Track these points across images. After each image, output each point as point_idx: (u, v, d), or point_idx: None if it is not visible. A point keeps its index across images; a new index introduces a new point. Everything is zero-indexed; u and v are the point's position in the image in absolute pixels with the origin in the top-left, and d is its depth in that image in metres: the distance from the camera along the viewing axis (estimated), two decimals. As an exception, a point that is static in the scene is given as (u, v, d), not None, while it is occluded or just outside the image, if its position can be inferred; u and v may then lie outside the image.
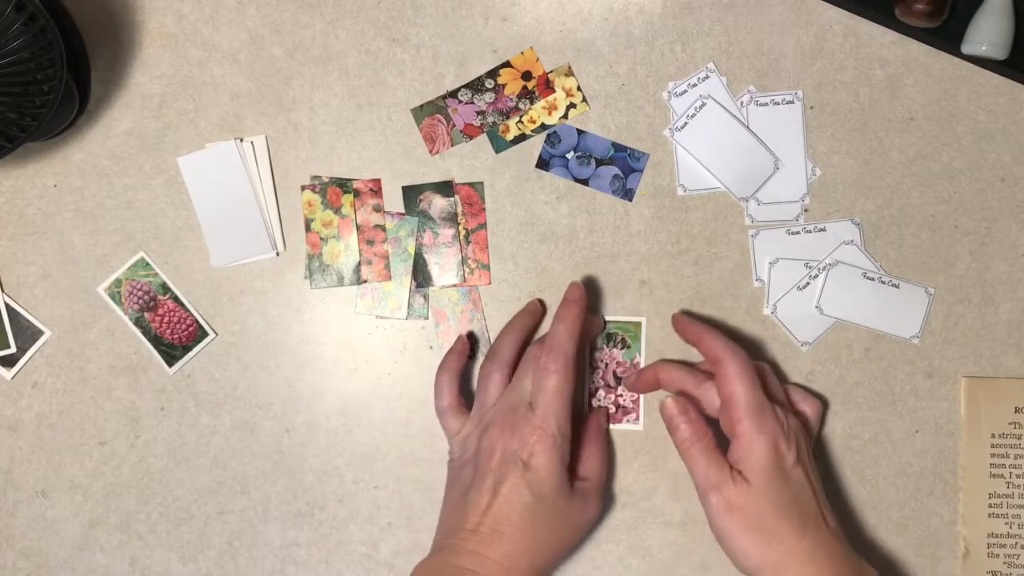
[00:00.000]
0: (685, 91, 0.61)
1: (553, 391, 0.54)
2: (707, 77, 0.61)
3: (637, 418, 0.61)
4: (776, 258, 0.61)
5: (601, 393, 0.61)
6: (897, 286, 0.61)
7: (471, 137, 0.61)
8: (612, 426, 0.62)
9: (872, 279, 0.60)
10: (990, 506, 0.61)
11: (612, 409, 0.61)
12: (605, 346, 0.61)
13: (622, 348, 0.61)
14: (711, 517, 0.54)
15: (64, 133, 0.61)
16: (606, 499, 0.60)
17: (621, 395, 0.61)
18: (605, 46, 0.61)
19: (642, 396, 0.61)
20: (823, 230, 0.61)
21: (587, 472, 0.57)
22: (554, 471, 0.53)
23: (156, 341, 0.62)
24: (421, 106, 0.61)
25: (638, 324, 0.61)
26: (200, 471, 0.62)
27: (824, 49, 0.61)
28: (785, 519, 0.52)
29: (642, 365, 0.61)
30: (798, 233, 0.61)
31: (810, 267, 0.61)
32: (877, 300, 0.61)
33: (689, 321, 0.59)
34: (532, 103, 0.61)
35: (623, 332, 0.61)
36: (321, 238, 0.61)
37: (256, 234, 0.61)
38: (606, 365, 0.61)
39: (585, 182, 0.61)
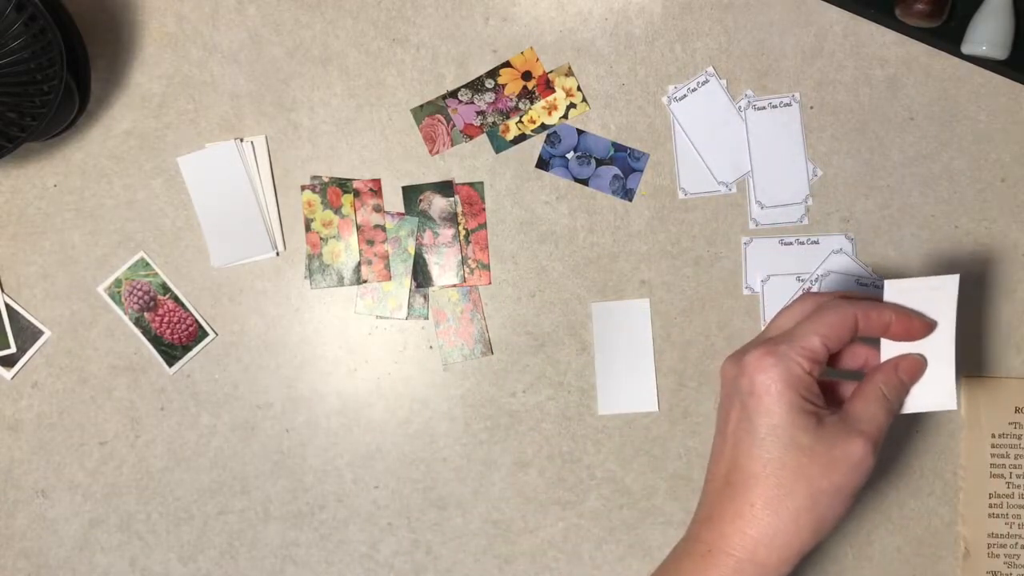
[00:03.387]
0: (685, 95, 0.61)
1: (799, 306, 0.46)
2: (707, 81, 0.61)
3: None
4: (767, 275, 0.61)
5: None
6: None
7: (471, 137, 0.61)
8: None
9: (866, 285, 0.60)
10: (990, 506, 0.61)
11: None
12: None
13: None
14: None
15: (64, 133, 0.61)
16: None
17: None
18: (605, 46, 0.61)
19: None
20: (816, 243, 0.61)
21: (855, 412, 0.45)
22: (780, 393, 0.43)
23: (156, 341, 0.62)
24: (421, 106, 0.61)
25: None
26: (200, 471, 0.62)
27: (824, 49, 0.61)
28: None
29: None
30: (791, 244, 0.61)
31: (802, 280, 0.61)
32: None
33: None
34: (532, 103, 0.61)
35: None
36: (321, 238, 0.61)
37: (256, 234, 0.61)
38: None
39: (585, 182, 0.61)
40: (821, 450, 0.43)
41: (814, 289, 0.61)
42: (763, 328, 0.47)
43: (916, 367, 0.47)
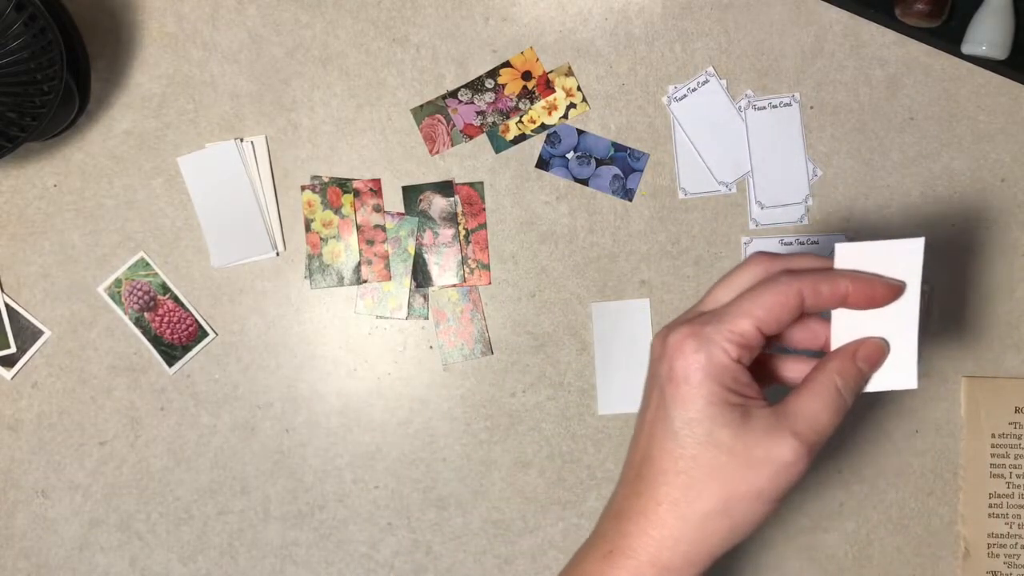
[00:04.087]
0: (685, 95, 0.61)
1: (742, 274, 0.41)
2: (707, 81, 0.61)
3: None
4: None
5: None
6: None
7: (471, 137, 0.61)
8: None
9: None
10: (990, 506, 0.61)
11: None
12: None
13: None
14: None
15: (64, 133, 0.61)
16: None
17: None
18: (605, 46, 0.61)
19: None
20: (816, 243, 0.61)
21: (794, 407, 0.40)
22: (699, 383, 0.38)
23: (156, 341, 0.62)
24: (421, 106, 0.61)
25: None
26: (200, 471, 0.62)
27: (824, 49, 0.61)
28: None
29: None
30: (791, 244, 0.61)
31: None
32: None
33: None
34: (532, 103, 0.61)
35: None
36: (321, 238, 0.61)
37: (256, 234, 0.61)
38: None
39: (585, 182, 0.61)
40: (741, 449, 0.38)
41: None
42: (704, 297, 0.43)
43: (878, 353, 0.41)
